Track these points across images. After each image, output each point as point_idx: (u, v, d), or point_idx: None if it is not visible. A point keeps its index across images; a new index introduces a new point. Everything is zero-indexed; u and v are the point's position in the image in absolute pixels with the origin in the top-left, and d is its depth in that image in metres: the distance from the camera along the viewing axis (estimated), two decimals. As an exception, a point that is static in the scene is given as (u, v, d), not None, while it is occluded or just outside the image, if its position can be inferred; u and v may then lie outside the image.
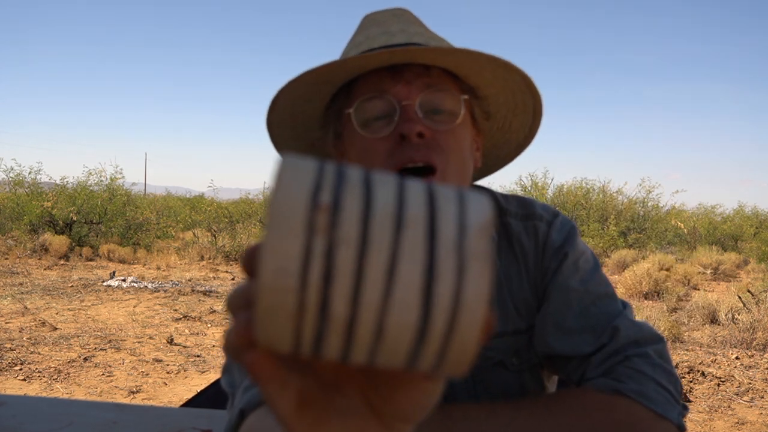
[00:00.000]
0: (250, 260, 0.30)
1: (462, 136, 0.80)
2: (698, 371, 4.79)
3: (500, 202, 0.90)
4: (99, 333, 5.55)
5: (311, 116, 0.87)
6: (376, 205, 0.27)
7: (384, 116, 0.78)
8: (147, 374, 4.49)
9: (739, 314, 6.39)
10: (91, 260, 10.97)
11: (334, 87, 0.82)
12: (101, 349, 5.02)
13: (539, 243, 0.86)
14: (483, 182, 0.99)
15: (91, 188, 13.14)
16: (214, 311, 6.67)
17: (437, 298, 0.27)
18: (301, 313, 0.27)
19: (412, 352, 0.28)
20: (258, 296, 0.27)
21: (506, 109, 0.88)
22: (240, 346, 0.30)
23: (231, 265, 11.26)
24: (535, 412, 0.70)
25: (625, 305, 0.83)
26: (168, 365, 4.72)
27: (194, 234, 13.91)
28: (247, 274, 0.30)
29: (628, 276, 9.07)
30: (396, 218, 0.27)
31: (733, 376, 4.77)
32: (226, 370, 0.81)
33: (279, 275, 0.27)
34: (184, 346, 5.28)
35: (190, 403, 1.24)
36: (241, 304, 0.31)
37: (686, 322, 6.85)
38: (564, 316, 0.81)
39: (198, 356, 5.00)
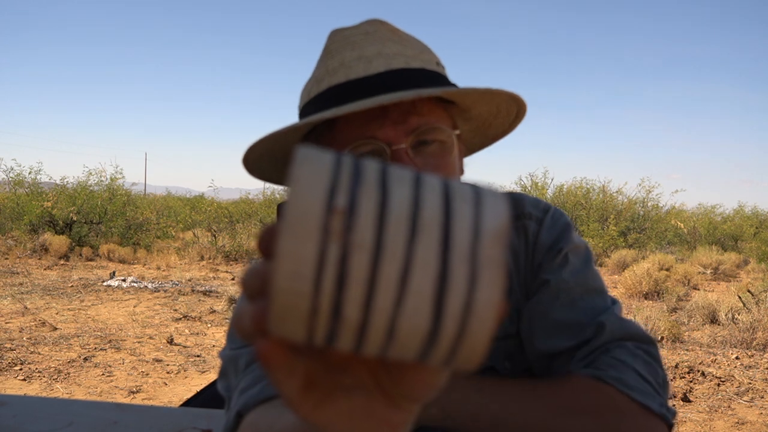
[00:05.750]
0: (267, 242, 0.29)
1: (455, 163, 0.79)
2: (698, 371, 4.79)
3: None
4: (99, 333, 5.55)
5: (288, 147, 0.83)
6: (391, 207, 0.27)
7: (372, 154, 0.75)
8: (147, 374, 4.49)
9: (739, 314, 6.39)
10: (91, 260, 10.97)
11: (313, 124, 0.79)
12: (101, 349, 5.02)
13: (529, 242, 0.84)
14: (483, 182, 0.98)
15: (91, 188, 13.12)
16: (214, 311, 6.66)
17: (448, 306, 0.27)
18: (314, 315, 0.27)
19: (422, 351, 0.29)
20: (272, 296, 0.27)
21: (488, 114, 0.87)
22: (252, 332, 0.31)
23: (231, 265, 11.26)
24: (522, 389, 0.70)
25: (614, 302, 0.81)
26: (168, 365, 4.72)
27: (194, 234, 13.91)
28: (262, 255, 0.30)
29: (628, 276, 9.07)
30: (411, 223, 0.27)
31: (733, 376, 4.77)
32: (222, 375, 0.80)
33: (293, 279, 0.27)
34: (184, 346, 5.28)
35: (189, 403, 1.24)
36: (256, 287, 0.31)
37: (686, 322, 6.85)
38: (550, 309, 0.79)
39: (198, 356, 5.00)
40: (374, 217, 0.27)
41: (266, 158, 0.84)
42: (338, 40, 0.82)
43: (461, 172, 0.84)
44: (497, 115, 0.87)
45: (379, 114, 0.74)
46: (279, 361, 0.31)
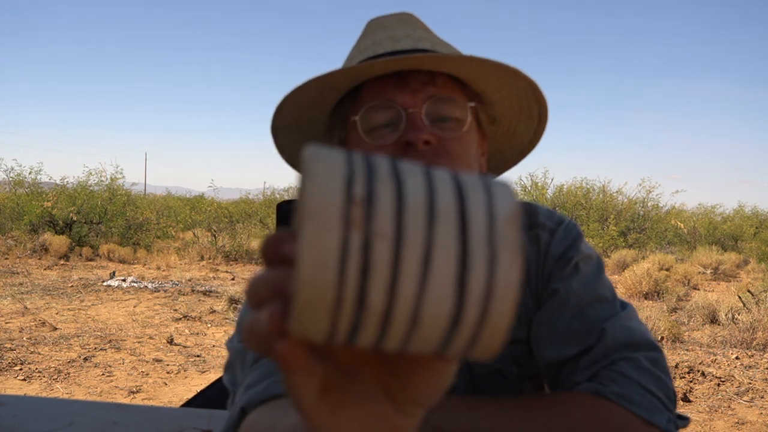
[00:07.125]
0: (273, 249, 0.29)
1: (468, 142, 0.80)
2: (698, 371, 4.80)
3: None
4: (99, 333, 5.55)
5: (316, 121, 0.87)
6: (408, 196, 0.28)
7: (390, 124, 0.78)
8: (147, 374, 4.49)
9: (739, 314, 6.39)
10: (91, 260, 10.97)
11: (340, 93, 0.82)
12: (101, 349, 5.02)
13: (540, 252, 0.85)
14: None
15: (91, 188, 13.12)
16: (214, 311, 6.66)
17: (470, 288, 0.28)
18: (339, 306, 0.28)
19: (444, 339, 0.29)
20: (296, 291, 0.27)
21: (511, 114, 0.88)
22: (270, 336, 0.30)
23: (231, 265, 11.26)
24: (516, 407, 0.70)
25: (624, 306, 0.81)
26: (168, 365, 4.72)
27: (194, 234, 13.91)
28: (267, 263, 0.30)
29: (628, 276, 9.07)
30: (428, 210, 0.28)
31: (733, 376, 4.77)
32: (228, 367, 0.81)
33: (318, 270, 0.27)
34: (184, 346, 5.28)
35: (190, 403, 1.24)
36: (267, 294, 0.30)
37: (686, 322, 6.85)
38: (559, 318, 0.79)
39: (198, 356, 5.00)
40: (392, 205, 0.28)
41: (294, 130, 0.87)
42: (372, 25, 0.88)
43: (479, 166, 0.84)
44: (520, 116, 0.88)
45: (399, 82, 0.78)
46: (299, 363, 0.31)
